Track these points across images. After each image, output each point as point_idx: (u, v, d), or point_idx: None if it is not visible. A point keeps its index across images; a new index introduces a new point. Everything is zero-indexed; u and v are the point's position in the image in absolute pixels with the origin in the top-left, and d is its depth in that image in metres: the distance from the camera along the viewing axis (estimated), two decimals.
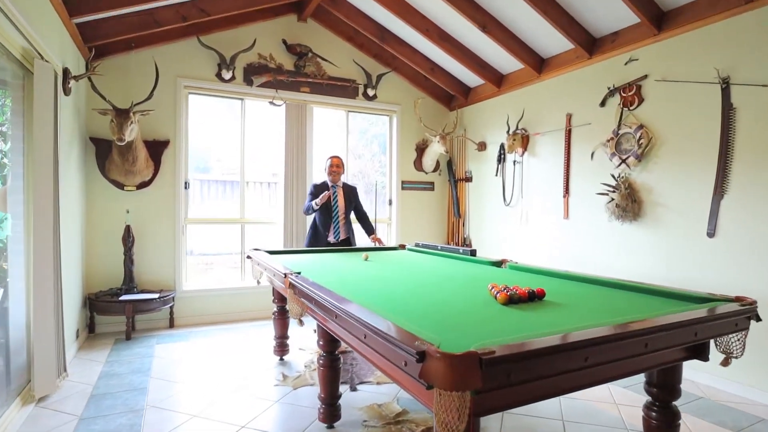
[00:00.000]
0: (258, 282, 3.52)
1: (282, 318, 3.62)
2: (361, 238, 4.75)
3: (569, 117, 4.34)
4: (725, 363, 1.71)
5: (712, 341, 1.70)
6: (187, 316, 4.79)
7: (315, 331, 3.51)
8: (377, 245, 4.42)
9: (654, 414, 1.83)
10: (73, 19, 3.45)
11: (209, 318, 4.87)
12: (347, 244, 4.43)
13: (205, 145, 5.15)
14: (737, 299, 1.80)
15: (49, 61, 2.92)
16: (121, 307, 4.14)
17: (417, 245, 4.25)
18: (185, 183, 4.85)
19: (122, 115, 3.94)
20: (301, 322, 2.43)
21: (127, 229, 4.40)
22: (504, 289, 1.95)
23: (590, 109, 4.11)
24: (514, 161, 5.03)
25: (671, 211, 3.45)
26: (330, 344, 2.40)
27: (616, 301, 1.94)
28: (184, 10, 4.28)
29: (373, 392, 3.03)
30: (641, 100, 3.65)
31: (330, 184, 4.41)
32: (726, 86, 3.07)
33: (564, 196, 4.39)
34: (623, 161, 3.74)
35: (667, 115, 3.47)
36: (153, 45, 4.56)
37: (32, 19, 2.70)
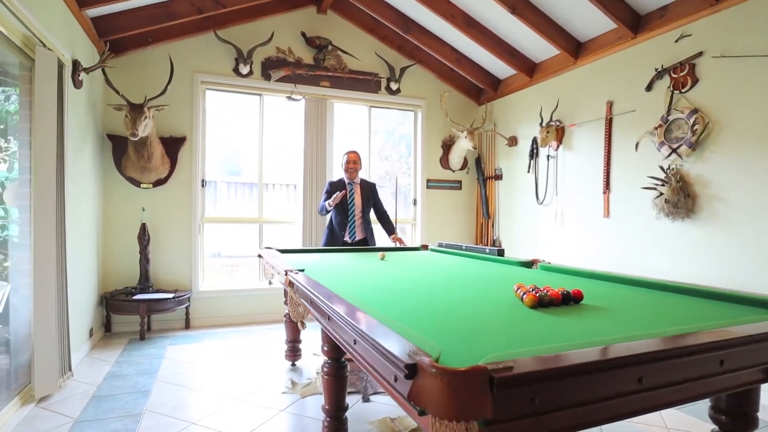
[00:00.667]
0: (270, 283, 3.31)
1: (293, 321, 3.39)
2: (381, 238, 4.48)
3: (610, 105, 3.93)
4: None
5: None
6: (204, 318, 4.65)
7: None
8: (398, 245, 4.14)
9: None
10: (83, 10, 3.37)
11: (226, 320, 4.72)
12: (365, 245, 4.16)
13: (223, 143, 5.03)
14: None
15: (53, 50, 2.82)
16: (135, 307, 4.04)
17: (440, 245, 3.94)
18: (202, 181, 4.74)
19: (136, 110, 3.85)
20: (302, 325, 2.19)
21: (143, 227, 4.31)
22: (532, 289, 1.63)
23: (634, 95, 3.70)
24: (548, 156, 4.64)
25: (732, 206, 3.00)
26: (334, 350, 2.14)
27: (672, 306, 1.59)
28: (199, 3, 4.17)
29: (387, 404, 2.74)
30: (695, 81, 3.22)
31: (347, 181, 4.17)
32: None
33: (604, 193, 3.97)
34: (674, 151, 3.31)
35: (727, 96, 3.03)
36: (170, 40, 4.48)
37: (33, 6, 2.60)
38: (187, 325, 4.55)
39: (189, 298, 4.50)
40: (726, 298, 1.67)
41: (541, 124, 4.55)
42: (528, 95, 4.99)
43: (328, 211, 4.07)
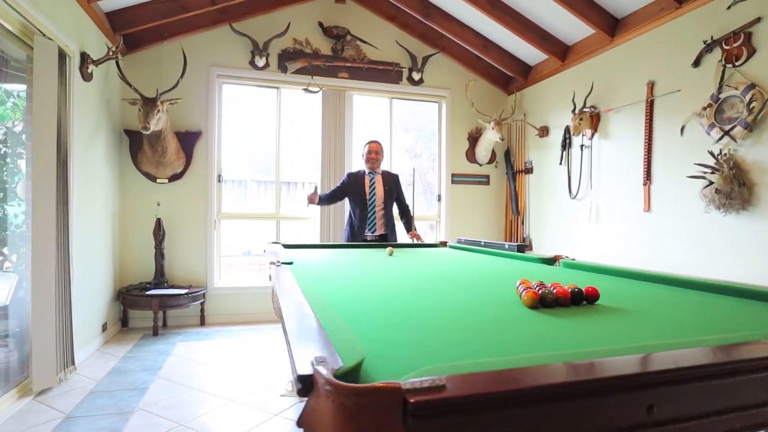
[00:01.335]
0: (270, 278, 3.14)
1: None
2: (403, 234, 4.22)
3: (651, 85, 3.51)
4: None
5: None
6: (219, 315, 4.58)
7: None
8: (415, 242, 3.88)
9: None
10: (92, 3, 3.35)
11: (241, 317, 4.62)
12: (385, 241, 3.89)
13: (240, 138, 4.95)
14: None
15: (53, 39, 2.78)
16: (149, 302, 4.00)
17: (459, 241, 3.65)
18: (218, 176, 4.68)
19: (149, 104, 3.81)
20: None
21: (158, 222, 4.28)
22: (536, 286, 1.35)
23: (679, 73, 3.27)
24: (582, 146, 4.24)
25: None
26: None
27: (717, 310, 1.26)
28: None
29: None
30: (751, 52, 2.78)
31: (367, 171, 3.92)
32: None
33: (644, 184, 3.55)
34: (726, 133, 2.88)
35: None
36: (186, 34, 4.44)
37: None
38: (202, 322, 4.48)
39: (204, 294, 4.43)
40: None
41: (573, 111, 4.16)
42: (560, 81, 4.60)
43: (322, 200, 3.85)
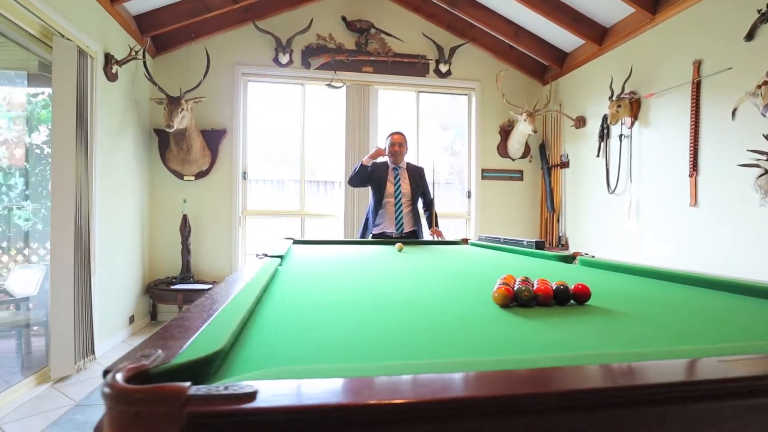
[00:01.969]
0: None
1: None
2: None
3: (697, 65, 3.14)
4: None
5: None
6: None
7: None
8: (435, 239, 3.69)
9: None
10: (115, 5, 3.46)
11: None
12: (414, 237, 3.69)
13: (265, 135, 4.98)
14: None
15: (72, 40, 2.88)
16: (174, 296, 4.09)
17: (480, 239, 3.45)
18: (243, 173, 4.72)
19: (173, 103, 3.89)
20: None
21: (184, 218, 4.38)
22: (518, 282, 1.17)
23: (729, 48, 2.90)
24: (621, 136, 3.89)
25: None
26: None
27: (745, 316, 1.03)
28: None
29: None
30: None
31: (391, 166, 3.72)
32: None
33: (690, 176, 3.19)
34: None
35: None
36: (211, 34, 4.52)
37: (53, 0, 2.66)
38: None
39: None
40: None
41: (610, 97, 3.82)
42: (597, 67, 4.26)
43: (361, 175, 3.54)
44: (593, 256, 2.12)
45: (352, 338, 0.77)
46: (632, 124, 3.75)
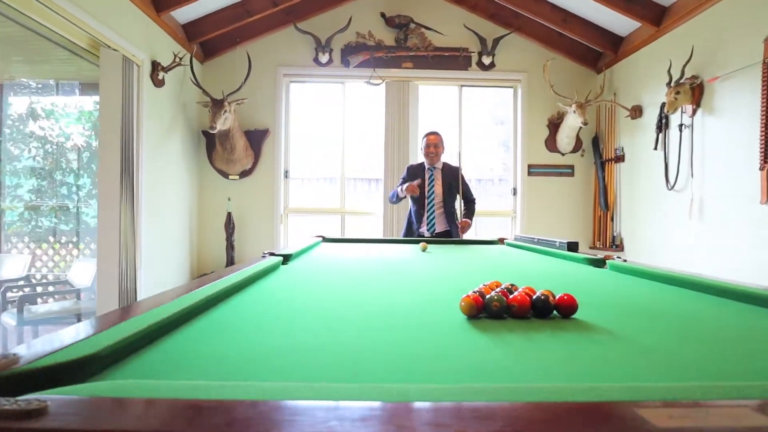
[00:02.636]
0: None
1: None
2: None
3: None
4: None
5: None
6: None
7: None
8: (460, 227, 3.56)
9: None
10: (161, 15, 3.66)
11: None
12: (449, 237, 3.61)
13: (306, 135, 5.07)
14: None
15: (118, 50, 3.08)
16: None
17: (516, 238, 3.27)
18: (285, 172, 4.84)
19: (216, 105, 4.07)
20: None
21: (228, 216, 4.57)
22: (497, 290, 1.06)
23: None
24: (680, 125, 3.51)
25: None
26: None
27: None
28: None
29: None
30: None
31: (427, 166, 3.70)
32: None
33: (762, 169, 2.79)
34: None
35: None
36: (255, 38, 4.66)
37: (99, 13, 2.86)
38: None
39: None
40: None
41: (668, 83, 3.46)
42: (655, 51, 3.88)
43: (399, 199, 3.67)
44: (625, 260, 1.91)
45: (258, 350, 0.73)
46: (694, 112, 3.37)
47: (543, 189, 4.89)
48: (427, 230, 3.63)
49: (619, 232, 4.38)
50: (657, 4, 3.72)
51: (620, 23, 4.16)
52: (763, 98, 2.77)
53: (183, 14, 4.02)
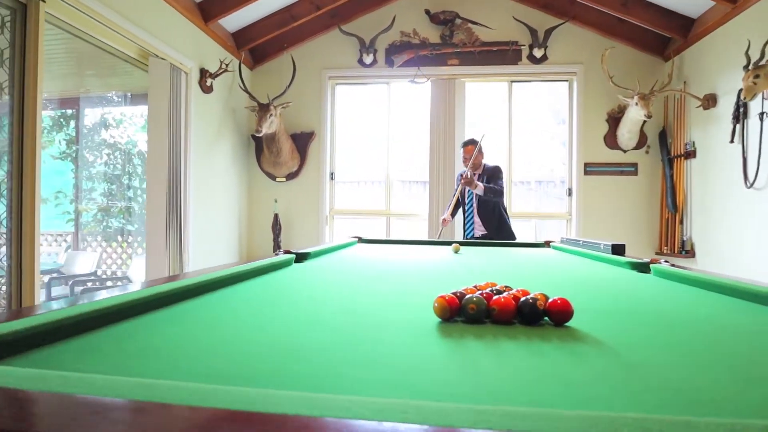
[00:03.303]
0: None
1: None
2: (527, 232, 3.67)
3: None
4: None
5: None
6: None
7: None
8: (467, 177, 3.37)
9: None
10: (209, 25, 3.83)
11: None
12: (491, 239, 3.43)
13: (351, 137, 5.08)
14: None
15: (165, 59, 3.26)
16: None
17: (562, 241, 3.02)
18: (330, 174, 4.88)
19: (262, 109, 4.19)
20: None
21: (275, 217, 4.69)
22: (486, 291, 0.94)
23: None
24: (761, 114, 3.07)
25: None
26: None
27: None
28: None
29: None
30: None
31: (470, 174, 3.56)
32: None
33: None
34: None
35: None
36: (302, 42, 4.76)
37: (149, 26, 3.05)
38: None
39: None
40: None
41: (746, 66, 3.03)
42: (731, 31, 3.43)
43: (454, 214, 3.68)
44: (673, 265, 1.67)
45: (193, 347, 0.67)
46: None
47: (601, 189, 4.51)
48: (466, 236, 3.56)
49: (690, 236, 3.92)
50: None
51: (690, 3, 3.74)
52: None
53: (231, 22, 4.20)
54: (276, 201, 4.75)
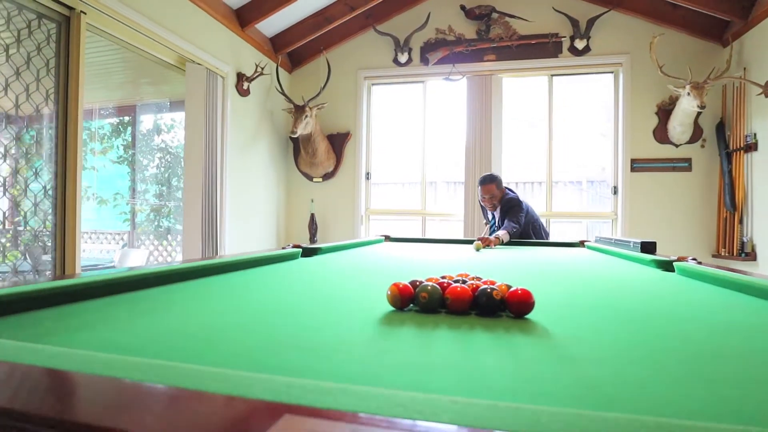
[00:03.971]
0: None
1: None
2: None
3: None
4: None
5: None
6: None
7: None
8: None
9: None
10: (246, 30, 3.99)
11: None
12: None
13: (386, 137, 5.09)
14: None
15: (201, 64, 3.43)
16: None
17: (597, 240, 2.85)
18: (366, 174, 4.91)
19: (299, 111, 4.30)
20: None
21: (312, 217, 4.78)
22: (453, 280, 0.91)
23: None
24: None
25: None
26: None
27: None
28: (350, 0, 4.34)
29: None
30: None
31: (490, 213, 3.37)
32: None
33: None
34: None
35: None
36: (337, 44, 4.83)
37: (187, 33, 3.23)
38: None
39: None
40: None
41: None
42: None
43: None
44: (700, 263, 1.53)
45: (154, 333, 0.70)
46: None
47: (650, 186, 4.21)
48: None
49: (750, 237, 3.56)
50: None
51: None
52: None
53: (268, 27, 4.34)
54: (312, 201, 4.85)
